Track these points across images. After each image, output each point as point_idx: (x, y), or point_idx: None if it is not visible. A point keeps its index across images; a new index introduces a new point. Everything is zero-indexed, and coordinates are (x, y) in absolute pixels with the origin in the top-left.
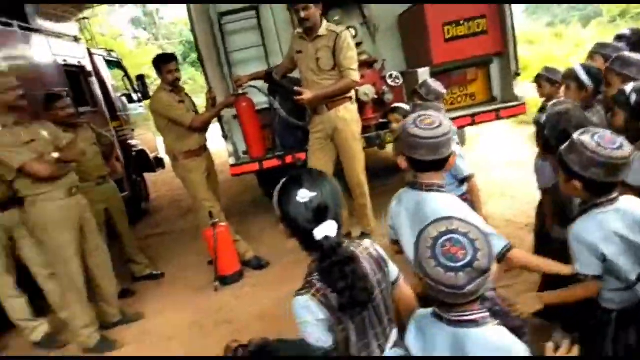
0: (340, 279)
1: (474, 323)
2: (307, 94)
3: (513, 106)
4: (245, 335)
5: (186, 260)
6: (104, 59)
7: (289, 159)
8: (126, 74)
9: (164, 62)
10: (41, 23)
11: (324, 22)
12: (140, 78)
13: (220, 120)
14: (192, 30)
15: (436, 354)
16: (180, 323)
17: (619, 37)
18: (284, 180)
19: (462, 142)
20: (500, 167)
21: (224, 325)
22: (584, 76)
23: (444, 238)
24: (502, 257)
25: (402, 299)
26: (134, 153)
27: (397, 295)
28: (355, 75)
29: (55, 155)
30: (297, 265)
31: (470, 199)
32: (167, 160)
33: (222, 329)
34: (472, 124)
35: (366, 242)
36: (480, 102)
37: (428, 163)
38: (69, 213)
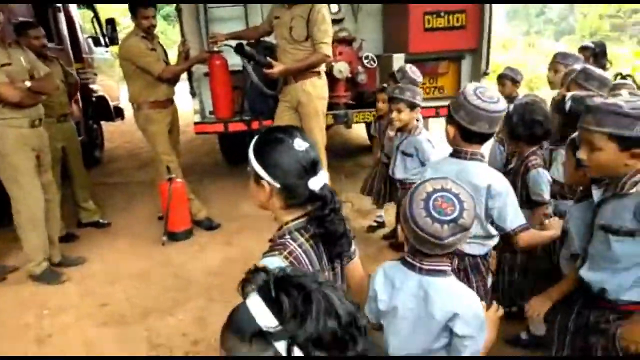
0: (340, 224)
1: (442, 273)
2: (277, 67)
3: None
4: (191, 289)
5: (137, 213)
6: None
7: (255, 125)
8: (96, 16)
9: (143, 6)
10: None
11: None
12: (111, 22)
13: (190, 76)
14: None
15: (402, 296)
16: (123, 271)
17: (583, 49)
18: (268, 131)
19: None
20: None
21: (169, 278)
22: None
23: (438, 194)
24: (514, 234)
25: (354, 277)
26: (93, 98)
27: (350, 272)
28: (328, 50)
29: (28, 84)
30: (247, 230)
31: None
32: (127, 111)
33: (167, 281)
34: (436, 115)
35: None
36: (448, 96)
37: (481, 135)
38: (29, 142)
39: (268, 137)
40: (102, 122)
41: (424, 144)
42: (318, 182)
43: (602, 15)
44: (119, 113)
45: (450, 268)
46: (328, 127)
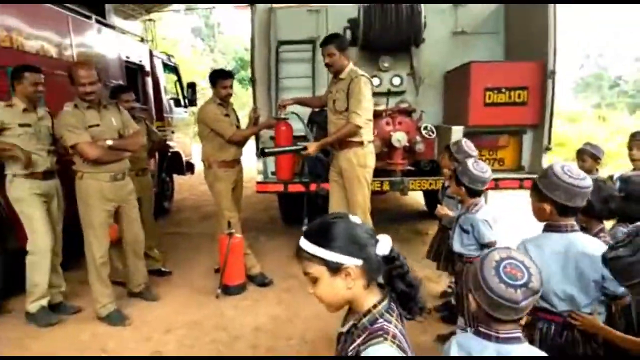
0: (412, 283)
1: (517, 340)
2: (311, 147)
3: None
4: (237, 344)
5: (196, 263)
6: (163, 62)
7: (313, 187)
8: (179, 80)
9: (223, 77)
10: (114, 19)
11: (349, 66)
12: (192, 86)
13: (257, 139)
14: (252, 51)
15: None
16: (179, 320)
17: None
18: (319, 222)
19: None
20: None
21: (220, 330)
22: None
23: (506, 262)
24: (614, 298)
25: None
26: (169, 153)
27: None
28: (358, 120)
29: (110, 142)
30: (297, 289)
31: None
32: (198, 166)
33: (218, 333)
34: (496, 187)
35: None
36: (509, 169)
37: (576, 209)
38: (107, 195)
39: (324, 223)
40: (174, 175)
41: (480, 223)
42: (386, 245)
43: None
44: (189, 167)
45: (523, 334)
46: (384, 193)
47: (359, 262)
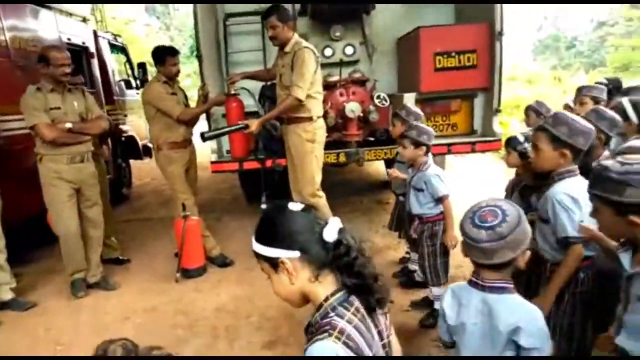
0: (372, 266)
1: (503, 290)
2: (252, 125)
3: (489, 141)
4: (197, 326)
5: (156, 249)
6: (109, 42)
7: (269, 163)
8: (128, 60)
9: (171, 54)
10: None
11: (294, 38)
12: (142, 66)
13: (208, 117)
14: (195, 26)
15: (468, 313)
16: (137, 307)
17: (579, 89)
18: (262, 219)
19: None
20: (475, 194)
21: (180, 315)
22: (630, 110)
23: (487, 208)
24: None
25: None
26: (123, 138)
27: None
28: (299, 92)
29: (68, 125)
30: (259, 268)
31: (444, 218)
32: None
33: (177, 318)
34: (448, 152)
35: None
36: (461, 133)
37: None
38: (64, 176)
39: (263, 221)
40: (131, 160)
41: (432, 178)
42: (332, 229)
43: (635, 47)
44: (147, 151)
45: (512, 286)
46: (341, 165)
47: (295, 254)
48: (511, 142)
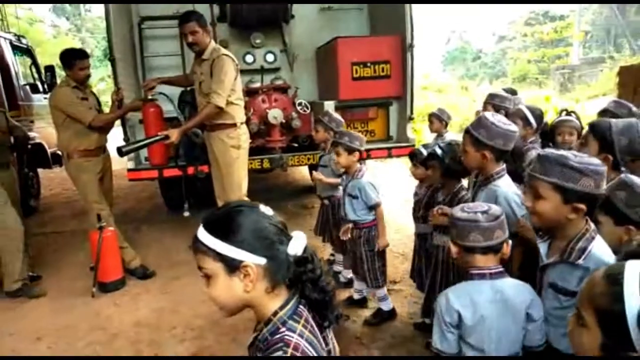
0: (327, 286)
1: (504, 274)
2: (173, 135)
3: (404, 146)
4: (116, 342)
5: (68, 264)
6: (11, 43)
7: (190, 170)
8: (35, 63)
9: (80, 57)
10: None
11: (211, 45)
12: (50, 69)
13: (124, 123)
14: (107, 28)
15: (484, 305)
16: (49, 326)
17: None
18: (224, 208)
19: None
20: (392, 202)
21: (98, 330)
22: (529, 116)
23: (470, 204)
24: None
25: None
26: (29, 146)
27: None
28: (219, 100)
29: None
30: (183, 277)
31: (377, 224)
32: None
33: (95, 334)
34: (368, 157)
35: None
36: (379, 139)
37: (507, 153)
38: None
39: (227, 212)
40: (40, 170)
41: (366, 186)
42: (299, 244)
43: (530, 60)
44: (57, 159)
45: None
46: (265, 171)
47: (262, 260)
48: (414, 157)
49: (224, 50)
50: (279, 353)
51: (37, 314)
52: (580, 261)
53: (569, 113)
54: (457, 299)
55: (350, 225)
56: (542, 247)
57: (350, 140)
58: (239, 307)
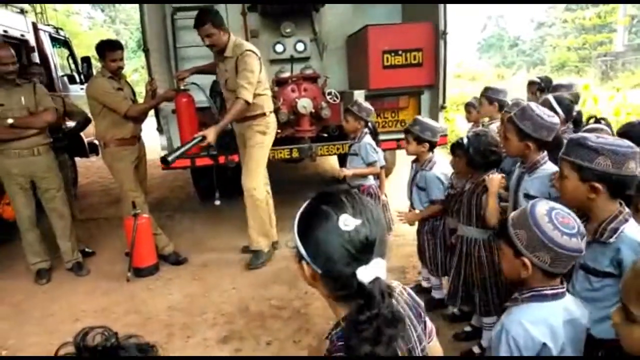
0: (367, 343)
1: (567, 291)
2: (209, 137)
3: None
4: (150, 325)
5: (104, 249)
6: (50, 35)
7: (221, 159)
8: (72, 54)
9: (110, 49)
10: None
11: (231, 40)
12: (86, 60)
13: (157, 113)
14: (142, 19)
15: (561, 327)
16: (87, 308)
17: (531, 83)
18: (311, 201)
19: (393, 164)
20: None
21: (132, 314)
22: (556, 106)
23: (554, 212)
24: None
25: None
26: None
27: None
28: (246, 94)
29: (10, 121)
30: (212, 264)
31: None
32: None
33: (130, 317)
34: (398, 148)
35: (394, 284)
36: None
37: (549, 144)
38: (14, 170)
39: (312, 207)
40: (77, 159)
41: (433, 182)
42: (368, 273)
43: (570, 48)
44: (93, 149)
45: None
46: (295, 161)
47: (318, 270)
48: (456, 148)
49: (246, 45)
50: None
51: (76, 296)
52: (612, 240)
53: (598, 120)
54: (537, 327)
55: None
56: None
57: (420, 129)
58: (315, 288)
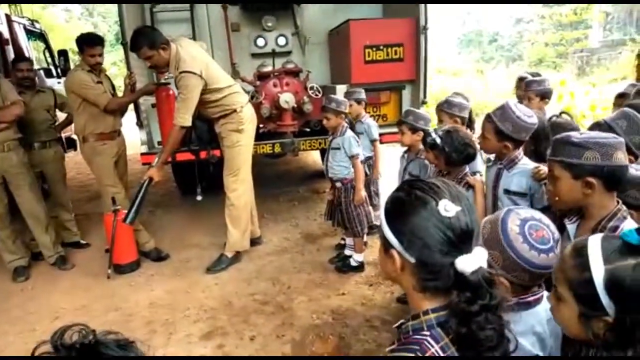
0: (492, 331)
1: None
2: (155, 176)
3: None
4: (131, 322)
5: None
6: (25, 28)
7: (203, 154)
8: (48, 47)
9: (88, 44)
10: None
11: (171, 57)
12: (63, 53)
13: (137, 108)
14: (120, 13)
15: (544, 327)
16: (66, 306)
17: (520, 79)
18: (407, 186)
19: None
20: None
21: (113, 311)
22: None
23: (532, 222)
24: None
25: None
26: None
27: None
28: (180, 120)
29: None
30: (195, 260)
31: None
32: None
33: (110, 314)
34: (380, 142)
35: None
36: (391, 124)
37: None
38: None
39: (405, 194)
40: None
41: (430, 168)
42: (470, 262)
43: (548, 44)
44: (70, 144)
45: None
46: (277, 156)
47: (411, 259)
48: (425, 142)
49: (182, 64)
50: (409, 354)
51: (56, 294)
52: None
53: (559, 115)
54: (526, 338)
55: None
56: (571, 229)
57: (414, 119)
58: (394, 280)
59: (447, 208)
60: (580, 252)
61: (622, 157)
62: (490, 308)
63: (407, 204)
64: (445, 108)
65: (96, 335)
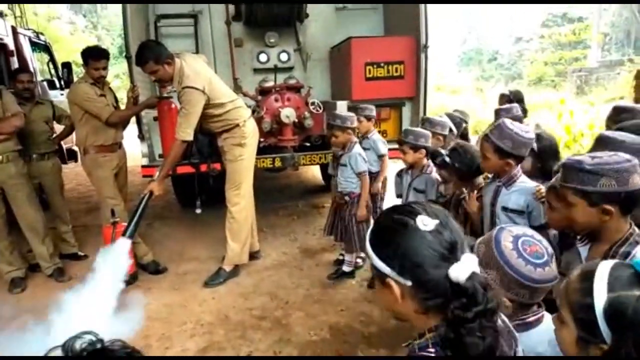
0: (484, 340)
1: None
2: (155, 190)
3: None
4: (127, 335)
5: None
6: (30, 40)
7: (203, 167)
8: (52, 59)
9: (94, 57)
10: None
11: (175, 72)
12: (67, 65)
13: (139, 121)
14: (124, 26)
15: (546, 351)
16: None
17: (502, 96)
18: (380, 218)
19: None
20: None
21: None
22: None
23: (525, 238)
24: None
25: None
26: None
27: None
28: (181, 134)
29: None
30: (193, 273)
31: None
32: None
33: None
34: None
35: None
36: (391, 140)
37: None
38: None
39: (384, 221)
40: None
41: (435, 184)
42: (463, 270)
43: (547, 63)
44: (72, 155)
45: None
46: (277, 170)
47: (406, 282)
48: (435, 158)
49: (186, 80)
50: None
51: (45, 311)
52: None
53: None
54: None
55: None
56: (582, 252)
57: (415, 138)
58: (398, 314)
59: (425, 222)
60: (587, 277)
61: (638, 180)
62: (486, 313)
63: (388, 230)
64: (427, 127)
65: (104, 342)
